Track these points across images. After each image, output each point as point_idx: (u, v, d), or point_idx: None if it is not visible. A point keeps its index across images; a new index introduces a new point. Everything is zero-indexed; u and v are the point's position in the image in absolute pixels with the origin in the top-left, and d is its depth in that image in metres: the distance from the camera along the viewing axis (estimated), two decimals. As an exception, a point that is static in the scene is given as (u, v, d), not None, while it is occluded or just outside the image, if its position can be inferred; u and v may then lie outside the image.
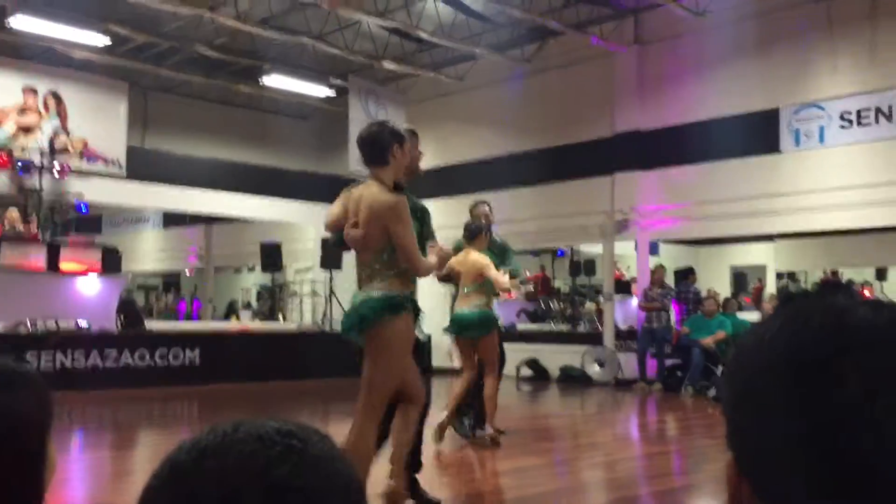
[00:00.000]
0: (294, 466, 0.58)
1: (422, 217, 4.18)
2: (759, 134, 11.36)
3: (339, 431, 5.37)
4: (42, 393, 0.96)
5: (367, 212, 3.69)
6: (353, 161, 13.95)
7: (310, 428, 0.62)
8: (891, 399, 0.57)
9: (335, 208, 3.91)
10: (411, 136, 4.28)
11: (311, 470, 0.59)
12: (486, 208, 7.03)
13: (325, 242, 14.39)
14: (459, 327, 6.43)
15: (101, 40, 12.88)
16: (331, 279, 14.17)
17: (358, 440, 3.74)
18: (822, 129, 10.86)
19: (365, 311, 3.77)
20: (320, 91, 15.69)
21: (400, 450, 3.95)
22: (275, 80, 15.02)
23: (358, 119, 13.94)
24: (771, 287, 14.77)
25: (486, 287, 6.44)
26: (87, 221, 16.50)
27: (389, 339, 3.76)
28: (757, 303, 14.71)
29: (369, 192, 3.73)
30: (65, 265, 10.62)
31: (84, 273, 10.83)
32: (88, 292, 10.94)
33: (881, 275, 14.97)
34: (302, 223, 16.38)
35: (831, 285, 0.66)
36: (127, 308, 11.88)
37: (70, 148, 12.83)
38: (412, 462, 4.34)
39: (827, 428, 0.58)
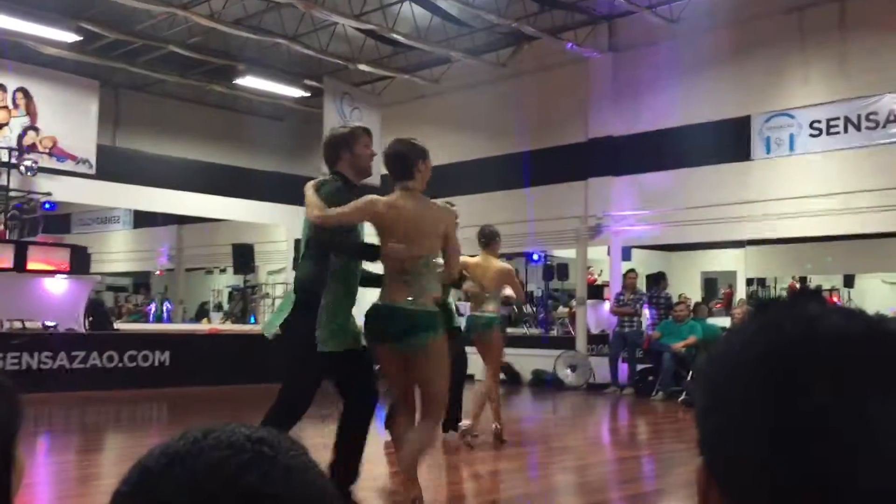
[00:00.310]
0: (264, 474, 0.57)
1: None
2: (730, 141, 11.49)
3: (312, 436, 5.34)
4: (11, 395, 0.93)
5: (425, 222, 3.93)
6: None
7: (282, 435, 0.61)
8: (856, 409, 0.58)
9: (353, 214, 3.96)
10: (363, 133, 4.35)
11: (282, 478, 0.58)
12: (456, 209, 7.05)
13: (297, 244, 14.32)
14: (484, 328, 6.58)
15: (73, 37, 12.72)
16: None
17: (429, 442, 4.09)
18: (792, 138, 11.00)
19: (431, 322, 3.93)
20: (294, 92, 15.62)
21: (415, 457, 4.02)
22: (249, 81, 14.93)
23: (332, 120, 13.89)
24: (741, 293, 14.92)
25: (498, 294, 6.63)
26: (56, 221, 16.29)
27: (444, 349, 4.01)
28: (727, 308, 14.85)
29: (421, 205, 3.96)
30: (32, 265, 10.46)
31: (52, 273, 10.67)
32: (56, 292, 10.79)
33: (849, 282, 15.19)
34: (275, 224, 16.29)
35: (804, 293, 0.66)
36: (95, 309, 11.73)
37: (39, 146, 12.65)
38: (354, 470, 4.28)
39: (793, 435, 0.58)
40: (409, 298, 3.90)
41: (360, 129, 4.37)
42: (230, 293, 19.77)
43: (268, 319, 4.29)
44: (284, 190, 15.61)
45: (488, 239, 6.72)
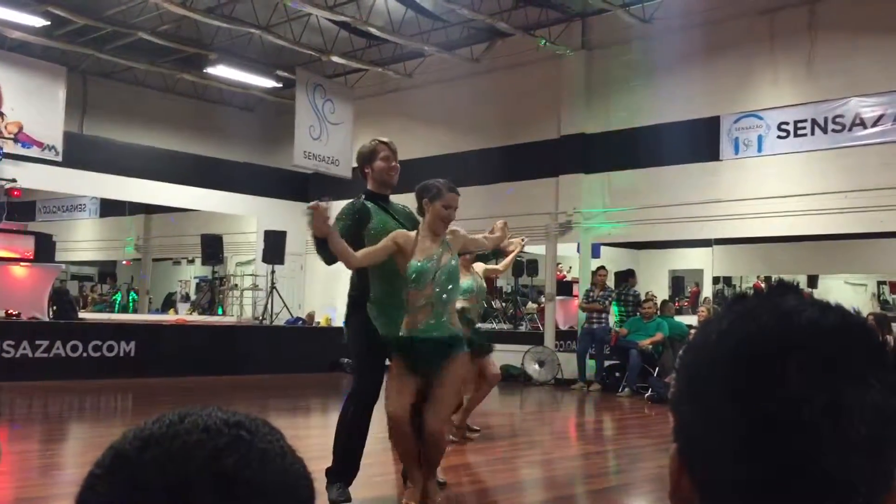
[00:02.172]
0: (241, 457, 0.57)
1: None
2: (700, 141, 11.60)
3: (280, 427, 5.31)
4: None
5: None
6: (298, 155, 13.84)
7: (259, 420, 0.61)
8: (829, 399, 0.58)
9: (380, 252, 4.15)
10: (384, 147, 4.53)
11: (259, 462, 0.57)
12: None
13: (267, 235, 14.24)
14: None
15: (40, 22, 12.51)
16: (272, 273, 14.00)
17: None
18: (760, 139, 11.13)
19: (458, 342, 4.20)
20: (266, 83, 15.50)
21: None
22: (220, 70, 14.78)
23: (304, 112, 13.82)
24: (707, 291, 15.09)
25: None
26: (21, 208, 16.00)
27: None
28: (693, 306, 15.00)
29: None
30: (-5, 252, 10.29)
31: (16, 261, 10.51)
32: (20, 280, 10.62)
33: (812, 282, 15.42)
34: (245, 215, 16.16)
35: (781, 286, 0.67)
36: (59, 298, 11.57)
37: (4, 131, 12.43)
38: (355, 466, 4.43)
39: (766, 425, 0.59)
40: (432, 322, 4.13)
41: (381, 144, 4.57)
42: (198, 284, 19.59)
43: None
44: (254, 181, 15.51)
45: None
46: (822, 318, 0.62)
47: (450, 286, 4.15)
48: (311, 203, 3.96)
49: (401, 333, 4.12)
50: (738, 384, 0.61)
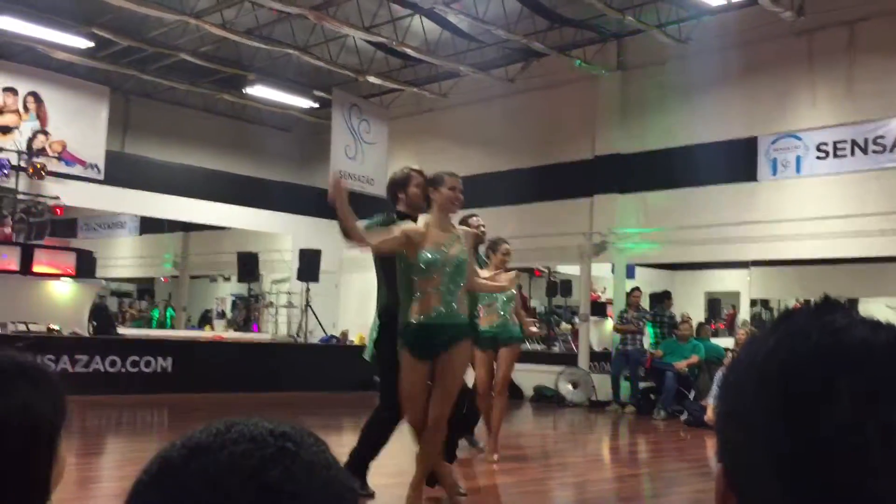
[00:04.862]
0: (287, 469, 0.57)
1: None
2: (736, 162, 11.49)
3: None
4: (60, 393, 0.95)
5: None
6: (334, 174, 13.95)
7: (304, 431, 0.61)
8: (882, 421, 0.57)
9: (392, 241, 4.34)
10: (416, 175, 4.86)
11: (304, 474, 0.58)
12: (479, 220, 6.98)
13: (303, 253, 14.35)
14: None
15: (85, 43, 12.81)
16: (307, 291, 14.10)
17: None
18: (798, 160, 11.00)
19: (465, 329, 4.41)
20: (303, 103, 15.68)
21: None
22: (259, 91, 14.99)
23: (340, 132, 13.95)
24: (744, 314, 14.88)
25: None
26: (63, 225, 16.33)
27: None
28: (730, 328, 14.81)
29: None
30: (38, 268, 10.49)
31: (57, 276, 10.70)
32: (61, 296, 10.81)
33: (852, 306, 15.12)
34: (280, 234, 16.31)
35: (828, 304, 0.66)
36: (99, 313, 11.75)
37: (48, 150, 12.71)
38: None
39: (815, 447, 0.58)
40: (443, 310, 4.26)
41: (414, 172, 4.92)
42: (234, 301, 19.78)
43: (367, 347, 4.99)
44: (291, 200, 15.66)
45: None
46: (874, 337, 0.61)
47: (458, 277, 4.30)
48: (335, 174, 4.31)
49: (411, 320, 4.25)
50: (787, 404, 0.60)
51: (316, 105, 15.71)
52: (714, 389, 9.96)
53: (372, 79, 14.20)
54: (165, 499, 0.57)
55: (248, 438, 0.59)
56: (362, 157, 14.20)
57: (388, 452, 5.00)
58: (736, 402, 0.64)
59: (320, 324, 14.22)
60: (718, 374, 10.06)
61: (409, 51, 12.73)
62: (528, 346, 14.90)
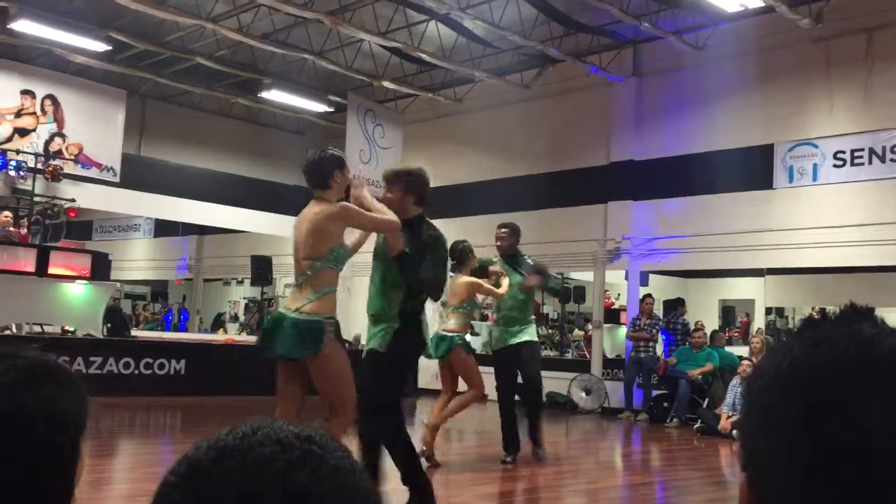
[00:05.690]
0: (313, 472, 0.57)
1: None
2: (752, 169, 11.44)
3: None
4: (82, 392, 0.96)
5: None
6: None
7: (328, 435, 0.62)
8: None
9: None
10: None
11: (330, 477, 0.58)
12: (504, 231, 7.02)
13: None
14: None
15: (102, 47, 12.90)
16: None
17: None
18: (815, 167, 10.94)
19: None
20: (318, 107, 15.73)
21: None
22: (274, 95, 15.06)
23: (355, 136, 13.98)
24: (759, 322, 14.80)
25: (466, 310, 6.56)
26: (78, 227, 16.43)
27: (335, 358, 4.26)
28: (744, 337, 14.71)
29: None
30: (54, 269, 10.55)
31: (73, 279, 10.76)
32: (76, 298, 10.87)
33: (868, 315, 15.02)
34: (294, 238, 16.33)
35: (855, 311, 0.65)
36: (113, 315, 11.81)
37: (65, 152, 12.80)
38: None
39: (843, 456, 0.57)
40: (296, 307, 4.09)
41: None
42: (247, 305, 19.84)
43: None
44: (304, 204, 15.61)
45: (461, 256, 6.62)
46: None
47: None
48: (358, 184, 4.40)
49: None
50: (814, 413, 0.59)
51: (331, 109, 15.76)
52: (728, 398, 9.90)
53: (387, 84, 14.24)
54: (193, 500, 0.56)
55: (274, 441, 0.59)
56: (377, 161, 14.22)
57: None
58: (761, 412, 0.63)
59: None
60: (733, 383, 10.00)
61: (424, 56, 12.75)
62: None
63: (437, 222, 4.70)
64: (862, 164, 10.55)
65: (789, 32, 11.07)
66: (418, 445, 6.09)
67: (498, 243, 7.00)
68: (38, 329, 10.04)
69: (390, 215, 4.27)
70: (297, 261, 4.23)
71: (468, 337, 6.97)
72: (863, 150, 10.54)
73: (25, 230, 11.56)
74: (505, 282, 6.78)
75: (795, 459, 0.59)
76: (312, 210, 4.23)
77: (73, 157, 12.86)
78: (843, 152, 10.70)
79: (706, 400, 10.71)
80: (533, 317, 7.18)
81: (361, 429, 4.38)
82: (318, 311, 4.02)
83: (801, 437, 0.59)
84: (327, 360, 4.01)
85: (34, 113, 12.75)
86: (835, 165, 10.77)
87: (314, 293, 4.03)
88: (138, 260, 21.56)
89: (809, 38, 10.99)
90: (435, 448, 6.46)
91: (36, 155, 12.29)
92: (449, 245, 6.74)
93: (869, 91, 10.59)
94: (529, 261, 7.00)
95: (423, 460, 6.00)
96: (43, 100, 12.80)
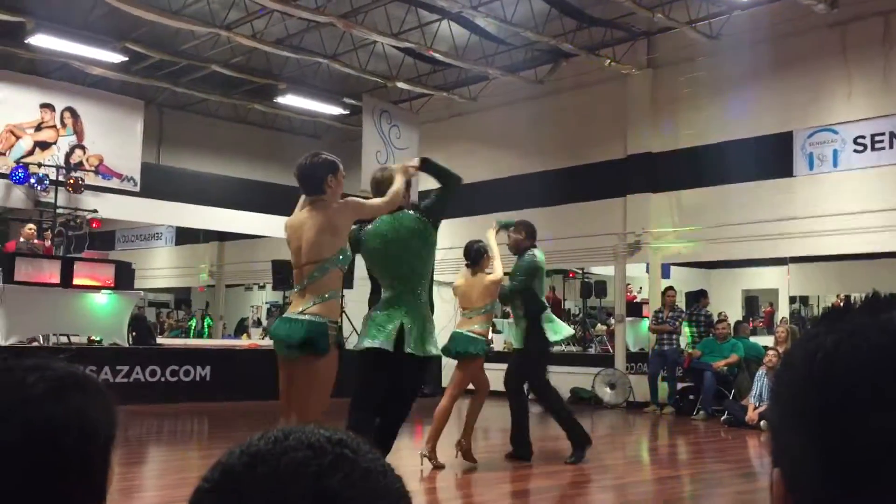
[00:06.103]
0: (346, 476, 0.58)
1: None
2: (772, 157, 11.35)
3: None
4: (111, 402, 0.97)
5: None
6: (365, 180, 14.01)
7: (359, 439, 0.62)
8: None
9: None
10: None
11: (362, 481, 0.58)
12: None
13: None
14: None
15: (119, 58, 13.01)
16: (342, 297, 14.15)
17: None
18: (835, 153, 10.84)
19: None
20: (334, 110, 15.78)
21: None
22: (289, 100, 15.12)
23: (371, 138, 14.02)
24: (783, 311, 14.69)
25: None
26: (101, 237, 16.59)
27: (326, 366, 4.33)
28: (768, 326, 14.61)
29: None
30: (78, 280, 10.67)
31: (97, 288, 10.87)
32: (101, 308, 10.98)
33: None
34: (313, 241, 16.38)
35: (886, 301, 0.64)
36: (138, 324, 11.92)
37: (86, 164, 12.93)
38: None
39: (879, 448, 0.56)
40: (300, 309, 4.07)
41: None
42: (269, 309, 19.95)
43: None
44: (323, 207, 15.72)
45: (476, 256, 6.57)
46: None
47: None
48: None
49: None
50: (848, 405, 0.58)
51: (346, 112, 15.80)
52: (755, 389, 9.83)
53: (401, 84, 14.26)
54: None
55: (306, 446, 0.59)
56: (393, 162, 14.22)
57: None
58: (793, 404, 0.62)
59: (355, 330, 14.25)
60: (759, 373, 9.93)
61: (437, 55, 12.76)
62: (563, 348, 14.87)
63: (452, 221, 4.73)
64: (883, 148, 10.44)
65: (804, 18, 10.97)
66: (422, 446, 6.16)
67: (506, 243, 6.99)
68: (64, 340, 10.15)
69: (388, 197, 4.52)
70: (297, 266, 4.13)
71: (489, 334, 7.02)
72: (883, 134, 10.43)
73: (49, 242, 11.68)
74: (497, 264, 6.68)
75: (834, 454, 0.58)
76: (313, 214, 4.10)
77: (93, 168, 12.98)
78: (864, 137, 10.59)
79: (732, 391, 10.64)
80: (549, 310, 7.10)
81: (350, 424, 4.47)
82: (323, 314, 4.00)
83: (836, 429, 0.58)
84: (323, 366, 4.00)
85: (54, 126, 12.88)
86: (855, 151, 10.66)
87: (318, 297, 4.01)
88: (161, 268, 21.74)
89: (825, 24, 10.89)
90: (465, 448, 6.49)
91: (57, 167, 12.42)
92: (464, 246, 6.79)
93: (888, 74, 10.48)
94: (527, 257, 6.86)
95: (425, 461, 6.10)
96: (62, 112, 12.93)
